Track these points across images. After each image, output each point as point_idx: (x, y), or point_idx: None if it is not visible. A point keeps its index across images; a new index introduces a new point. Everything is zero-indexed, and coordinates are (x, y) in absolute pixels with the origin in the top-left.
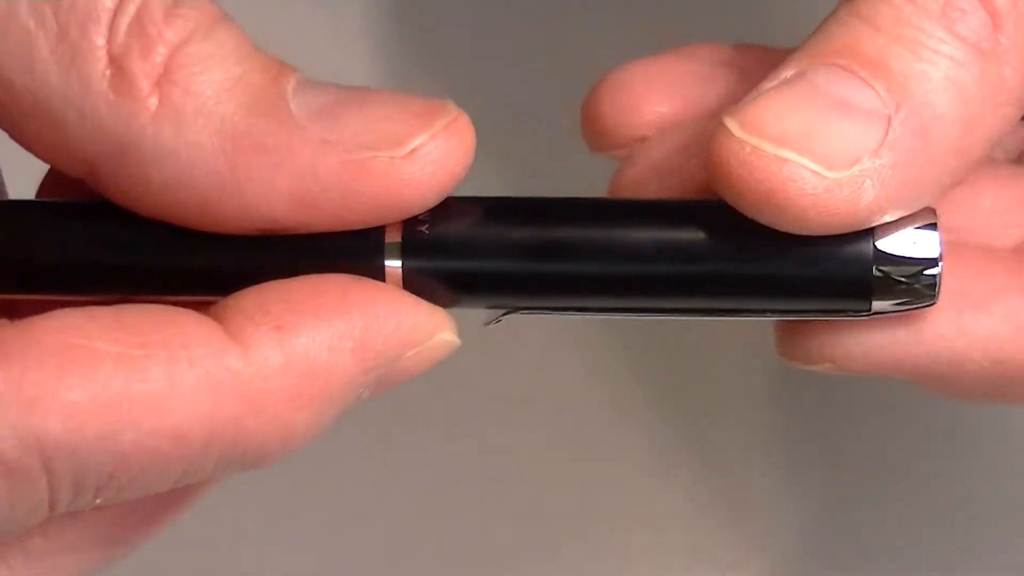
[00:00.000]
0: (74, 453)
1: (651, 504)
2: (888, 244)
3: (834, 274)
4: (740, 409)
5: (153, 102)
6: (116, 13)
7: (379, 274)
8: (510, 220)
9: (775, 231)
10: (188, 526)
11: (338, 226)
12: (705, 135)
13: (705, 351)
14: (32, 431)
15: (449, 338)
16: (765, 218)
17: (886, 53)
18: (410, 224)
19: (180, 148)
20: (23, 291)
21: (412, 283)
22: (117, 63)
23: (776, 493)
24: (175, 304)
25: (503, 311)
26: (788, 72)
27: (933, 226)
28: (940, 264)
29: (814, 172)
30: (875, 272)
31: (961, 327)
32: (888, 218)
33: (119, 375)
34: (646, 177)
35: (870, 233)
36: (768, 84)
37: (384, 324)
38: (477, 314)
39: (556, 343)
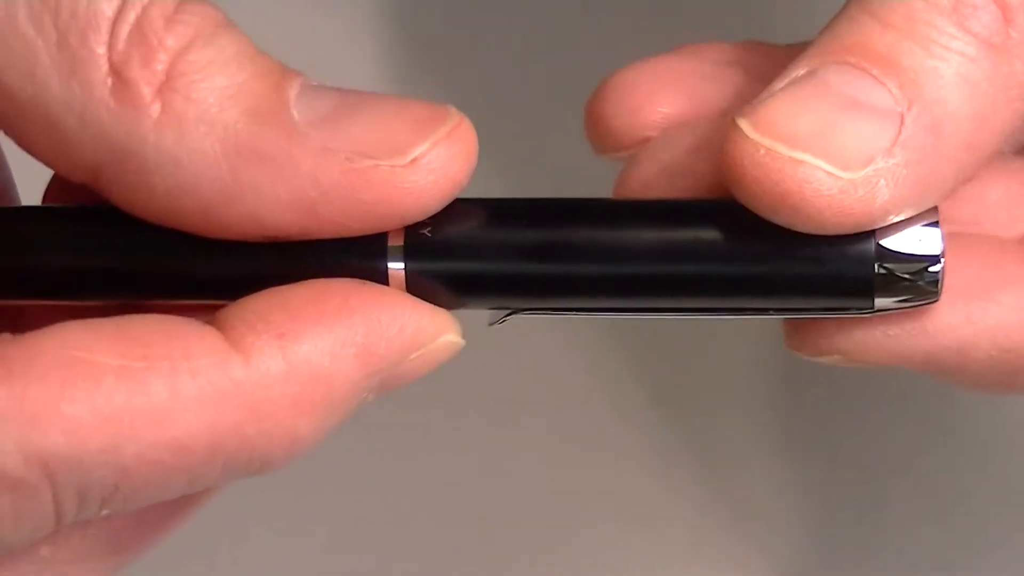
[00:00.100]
0: (77, 467)
1: (651, 504)
2: (890, 241)
3: (837, 272)
4: (740, 409)
5: (155, 110)
6: (116, 21)
7: (382, 277)
8: (514, 221)
9: (777, 230)
10: (189, 525)
11: (340, 233)
12: (712, 135)
13: (705, 351)
14: (35, 446)
15: (453, 339)
16: (780, 219)
17: (897, 50)
18: (413, 227)
19: (182, 155)
20: (27, 297)
21: (415, 286)
22: (118, 71)
23: (776, 493)
24: (179, 308)
25: (508, 312)
26: (799, 71)
27: (935, 223)
28: (942, 261)
29: (829, 173)
30: (878, 270)
31: (969, 317)
32: (901, 216)
33: (121, 388)
34: (652, 177)
35: (873, 231)
36: (779, 83)
37: (387, 328)
38: (477, 314)
39: (556, 343)
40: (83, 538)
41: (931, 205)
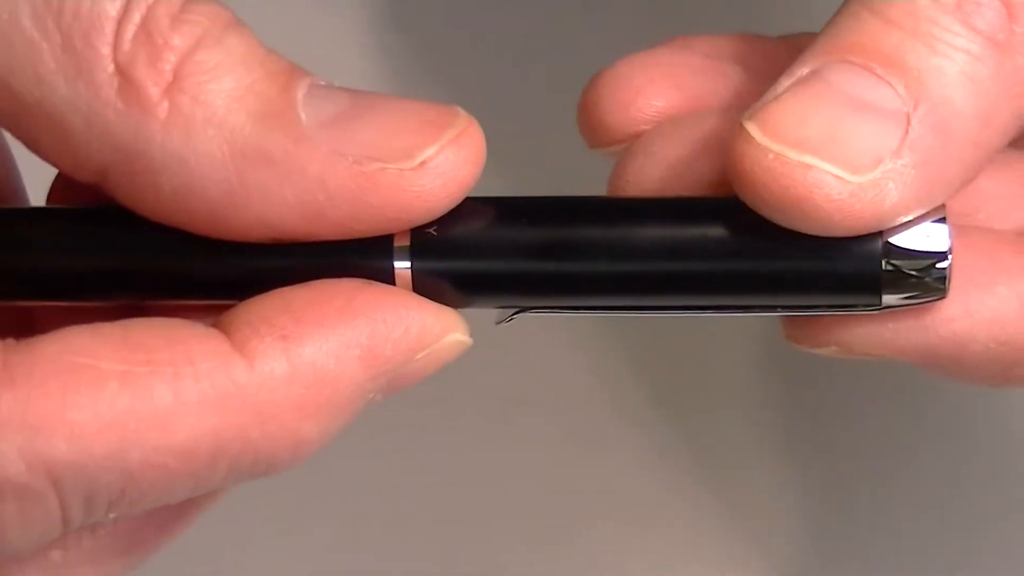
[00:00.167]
0: (82, 473)
1: (651, 504)
2: (898, 238)
3: (844, 269)
4: (740, 409)
5: (162, 110)
6: (121, 21)
7: (388, 277)
8: (521, 219)
9: (784, 227)
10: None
11: (347, 235)
12: (707, 129)
13: (705, 351)
14: (39, 453)
15: (460, 339)
16: (788, 222)
17: (901, 48)
18: (419, 226)
19: (189, 157)
20: (34, 298)
21: (422, 285)
22: (124, 72)
23: (776, 493)
24: (187, 309)
25: (515, 310)
26: (803, 70)
27: (942, 219)
28: (950, 257)
29: (838, 177)
30: (885, 266)
31: (967, 308)
32: (909, 217)
33: (124, 394)
34: (647, 170)
35: None
36: (784, 83)
37: (391, 329)
38: (479, 313)
39: (557, 343)
40: (93, 541)
41: (937, 204)
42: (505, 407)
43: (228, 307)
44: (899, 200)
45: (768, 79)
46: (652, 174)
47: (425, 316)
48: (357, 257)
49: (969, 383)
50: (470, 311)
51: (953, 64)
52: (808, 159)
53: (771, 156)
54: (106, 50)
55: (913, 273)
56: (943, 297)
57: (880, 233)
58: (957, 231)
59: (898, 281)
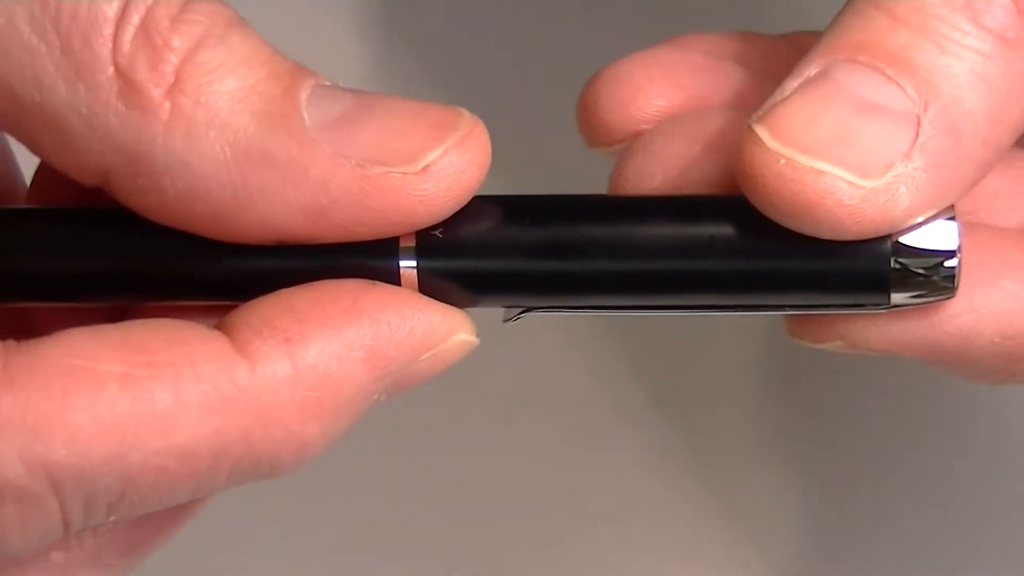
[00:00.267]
0: (81, 475)
1: (651, 504)
2: (906, 237)
3: (852, 268)
4: (740, 409)
5: (164, 112)
6: (119, 22)
7: (394, 277)
8: (527, 218)
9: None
10: (193, 522)
11: (350, 237)
12: (709, 128)
13: (705, 351)
14: (38, 456)
15: (466, 339)
16: (799, 226)
17: (910, 47)
18: (424, 228)
19: (192, 159)
20: (36, 299)
21: (428, 285)
22: (124, 74)
23: (776, 493)
24: (191, 310)
25: (521, 309)
26: (810, 70)
27: (952, 218)
28: (958, 256)
29: (850, 183)
30: (893, 265)
31: (972, 303)
32: (920, 219)
33: (124, 396)
34: (647, 169)
35: None
36: (791, 84)
37: (396, 331)
38: (476, 313)
39: (557, 343)
40: (94, 541)
41: (949, 204)
42: (505, 407)
43: (231, 308)
44: (910, 204)
45: (769, 77)
46: (653, 173)
47: (431, 317)
48: (362, 257)
49: (974, 379)
50: (469, 311)
51: (963, 63)
52: (820, 164)
53: (782, 161)
54: (105, 52)
55: (921, 272)
56: (952, 296)
57: (889, 233)
58: (963, 228)
59: (906, 280)
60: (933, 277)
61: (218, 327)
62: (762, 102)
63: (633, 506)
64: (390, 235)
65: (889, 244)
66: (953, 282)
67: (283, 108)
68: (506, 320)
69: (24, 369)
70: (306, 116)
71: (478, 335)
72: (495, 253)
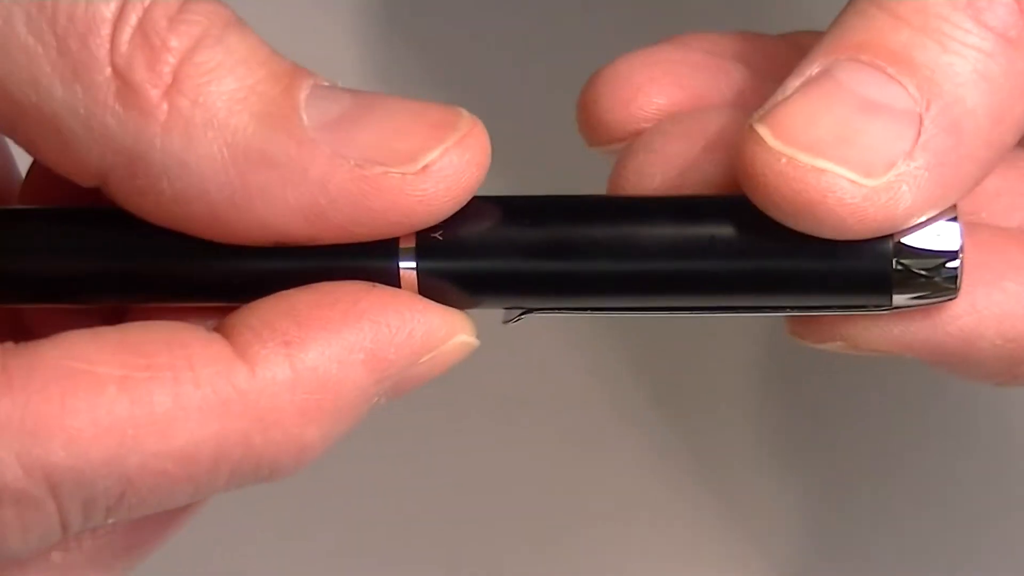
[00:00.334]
0: (80, 478)
1: (651, 504)
2: (909, 237)
3: (854, 269)
4: (740, 409)
5: (162, 113)
6: (116, 23)
7: (394, 279)
8: (529, 219)
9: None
10: (193, 525)
11: (349, 238)
12: (709, 127)
13: (705, 351)
14: (37, 459)
15: (466, 340)
16: (801, 226)
17: (911, 46)
18: (424, 228)
19: (190, 160)
20: (34, 300)
21: (428, 287)
22: (122, 74)
23: (776, 493)
24: (191, 311)
25: (522, 310)
26: (812, 69)
27: (954, 219)
28: (961, 257)
29: (852, 181)
30: (895, 266)
31: (974, 304)
32: (923, 219)
33: (123, 399)
34: (648, 168)
35: None
36: (793, 83)
37: (396, 333)
38: (476, 313)
39: (557, 343)
40: (93, 542)
41: (950, 205)
42: (505, 407)
43: (230, 310)
44: (912, 203)
45: (769, 76)
46: (653, 172)
47: (431, 319)
48: (361, 258)
49: (976, 381)
50: (469, 312)
51: (965, 62)
52: (821, 163)
53: (784, 160)
54: (102, 53)
55: (923, 273)
56: (954, 297)
57: (891, 233)
58: (965, 229)
59: (908, 281)
60: (935, 278)
61: (217, 329)
62: (763, 101)
63: (633, 506)
64: (389, 236)
65: (891, 245)
66: (955, 283)
67: (282, 108)
68: (506, 321)
69: (23, 371)
70: (305, 116)
71: (478, 336)
72: (495, 254)
